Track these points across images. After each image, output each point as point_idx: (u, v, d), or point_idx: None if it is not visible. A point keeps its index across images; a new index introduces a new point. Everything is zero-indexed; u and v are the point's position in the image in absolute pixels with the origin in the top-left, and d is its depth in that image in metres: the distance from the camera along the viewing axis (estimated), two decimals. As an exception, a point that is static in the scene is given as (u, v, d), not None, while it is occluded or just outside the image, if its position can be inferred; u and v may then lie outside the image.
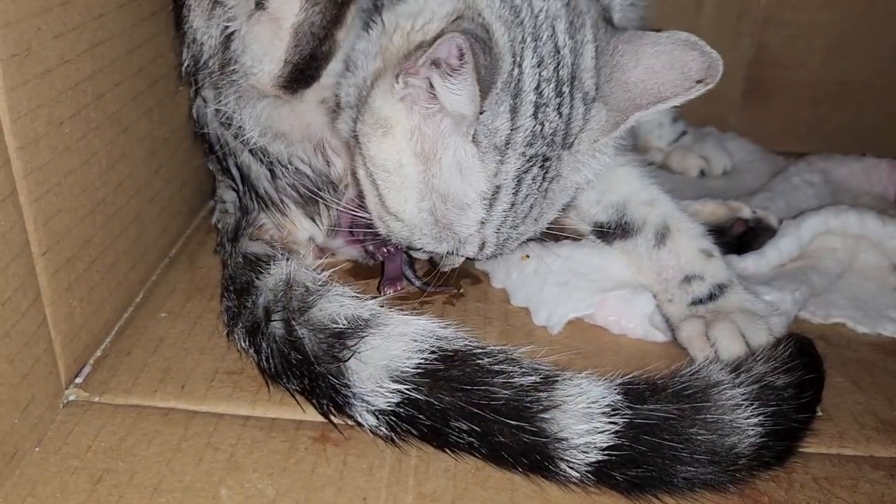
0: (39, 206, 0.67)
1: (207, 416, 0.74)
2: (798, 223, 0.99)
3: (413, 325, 0.75)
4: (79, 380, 0.77)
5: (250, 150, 0.91)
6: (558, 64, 0.73)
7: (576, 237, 0.97)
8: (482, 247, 0.79)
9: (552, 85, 0.73)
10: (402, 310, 0.77)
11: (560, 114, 0.74)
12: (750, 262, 0.98)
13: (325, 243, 0.97)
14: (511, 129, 0.72)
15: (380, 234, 0.83)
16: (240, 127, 0.88)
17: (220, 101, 0.88)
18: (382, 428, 0.72)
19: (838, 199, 1.19)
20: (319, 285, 0.80)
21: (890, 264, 1.02)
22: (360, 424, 0.72)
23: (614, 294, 0.91)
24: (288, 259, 0.84)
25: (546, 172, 0.76)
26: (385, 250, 0.91)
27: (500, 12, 0.71)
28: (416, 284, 0.95)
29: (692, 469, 0.67)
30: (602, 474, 0.67)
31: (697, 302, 0.89)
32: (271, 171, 0.92)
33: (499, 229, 0.78)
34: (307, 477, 0.67)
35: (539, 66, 0.72)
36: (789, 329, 0.89)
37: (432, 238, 0.78)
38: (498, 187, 0.74)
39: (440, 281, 0.93)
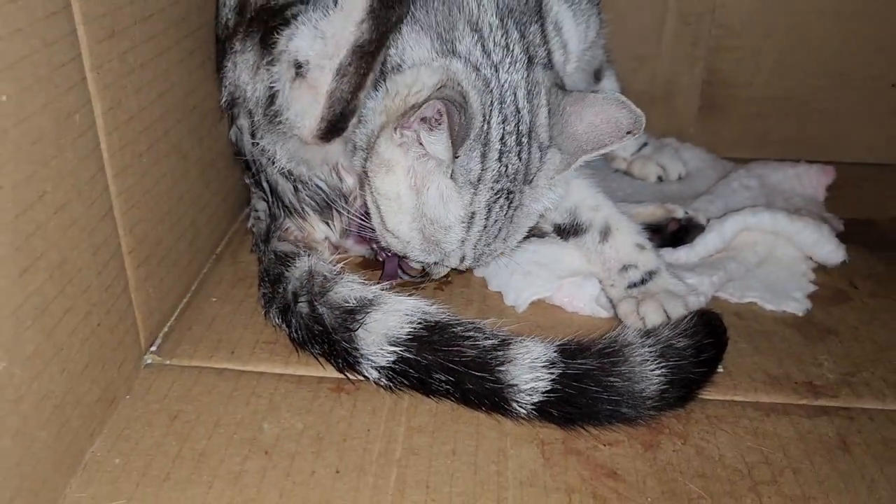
0: (127, 218, 0.90)
1: (251, 374, 0.95)
2: (722, 221, 1.17)
3: (406, 303, 0.94)
4: (153, 348, 0.98)
5: (278, 170, 1.13)
6: (518, 121, 0.94)
7: (540, 235, 1.18)
8: (462, 259, 1.01)
9: (514, 136, 0.94)
10: (398, 293, 0.97)
11: (520, 158, 0.95)
12: (682, 254, 1.16)
13: (338, 242, 1.15)
14: (482, 169, 0.93)
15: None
16: (272, 155, 1.07)
17: (259, 137, 1.07)
18: (383, 380, 0.90)
19: (772, 201, 1.34)
20: (335, 274, 1.00)
21: (803, 255, 1.20)
22: (366, 378, 0.91)
23: (568, 280, 1.09)
24: (309, 255, 1.04)
25: (511, 202, 0.97)
26: (385, 254, 1.10)
27: (475, 83, 0.92)
28: (406, 280, 1.13)
29: (610, 407, 0.85)
30: (543, 411, 0.85)
31: (632, 285, 1.07)
32: (294, 187, 1.11)
33: (475, 246, 0.99)
34: (326, 415, 0.88)
35: (503, 122, 0.93)
36: (708, 306, 1.06)
37: (422, 251, 0.99)
38: (473, 213, 0.95)
39: (424, 277, 1.13)
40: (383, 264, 1.13)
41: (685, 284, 1.07)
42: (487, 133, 0.93)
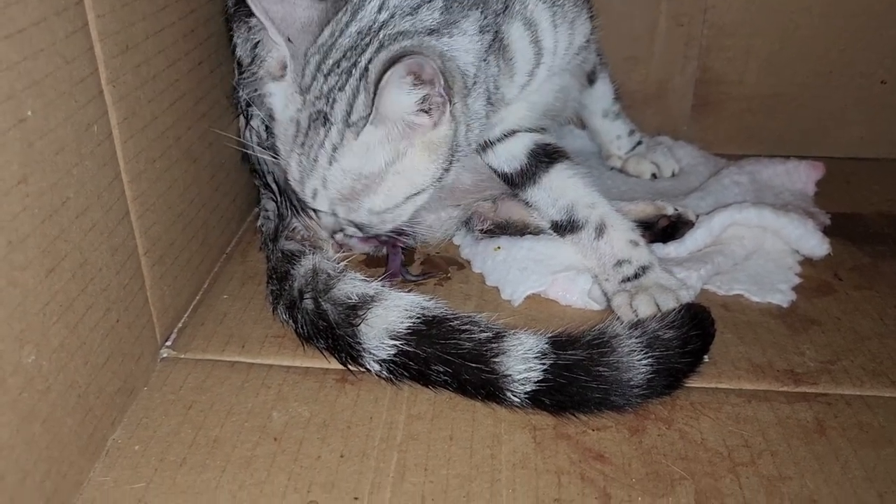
0: (142, 221, 0.95)
1: (261, 366, 1.00)
2: (710, 217, 1.21)
3: (405, 299, 0.99)
4: (168, 342, 1.04)
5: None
6: (353, 60, 0.96)
7: (536, 232, 1.24)
8: (301, 184, 1.02)
9: (343, 66, 0.96)
10: (398, 289, 1.02)
11: (342, 90, 0.96)
12: (672, 249, 1.21)
13: (342, 240, 1.17)
14: (311, 80, 0.97)
15: (381, 237, 1.10)
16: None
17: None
18: (384, 372, 0.95)
19: (762, 197, 1.38)
20: (338, 272, 1.04)
21: (790, 249, 1.25)
22: (368, 370, 0.96)
23: (562, 275, 1.13)
24: (314, 253, 1.08)
25: (327, 131, 0.97)
26: (389, 251, 1.16)
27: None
28: (407, 279, 1.19)
29: (598, 395, 0.90)
30: (535, 399, 0.90)
31: (626, 280, 1.10)
32: None
33: (300, 164, 1.00)
34: (331, 405, 0.93)
35: (342, 51, 0.97)
36: (697, 298, 1.11)
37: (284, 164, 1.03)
38: (298, 122, 1.00)
39: (425, 276, 1.20)
40: (387, 262, 1.18)
41: (676, 279, 1.11)
42: (326, 48, 0.96)
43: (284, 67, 1.01)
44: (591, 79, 1.44)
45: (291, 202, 1.19)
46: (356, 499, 0.81)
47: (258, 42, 1.09)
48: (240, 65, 1.15)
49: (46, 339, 0.74)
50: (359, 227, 1.05)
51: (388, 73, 0.87)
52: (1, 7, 0.67)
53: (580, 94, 1.43)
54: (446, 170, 1.01)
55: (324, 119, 0.96)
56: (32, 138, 0.71)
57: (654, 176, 1.52)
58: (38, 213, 0.72)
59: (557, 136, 1.42)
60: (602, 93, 1.48)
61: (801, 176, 1.47)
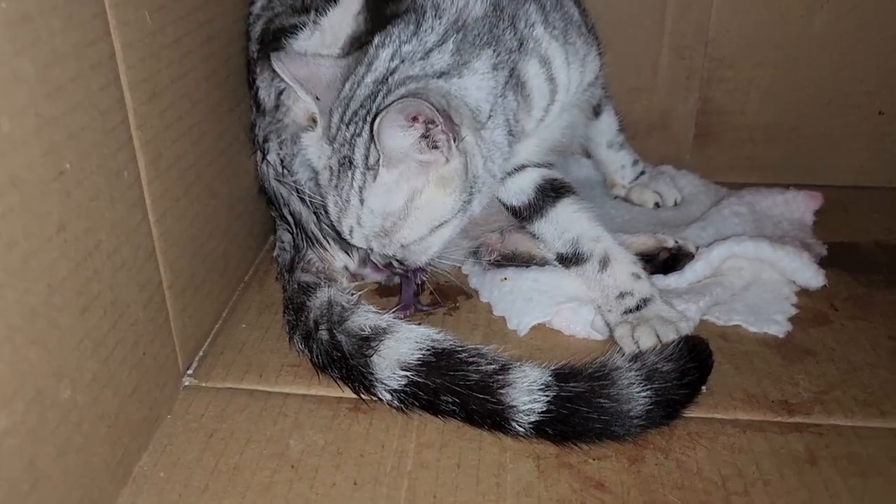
0: (167, 256, 1.00)
1: (278, 394, 1.05)
2: (709, 250, 1.25)
3: (416, 331, 1.03)
4: (190, 371, 1.09)
5: (300, 199, 1.22)
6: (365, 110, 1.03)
7: (542, 263, 1.29)
8: (339, 220, 1.08)
9: (359, 114, 1.03)
10: (409, 321, 1.07)
11: (361, 135, 1.03)
12: (672, 280, 1.25)
13: (356, 271, 1.25)
14: (336, 130, 1.04)
15: (395, 267, 1.16)
16: (290, 167, 1.19)
17: (284, 156, 1.20)
18: (395, 401, 0.99)
19: (762, 226, 1.43)
20: (352, 304, 1.10)
21: (787, 280, 1.28)
22: (380, 399, 1.00)
23: (566, 305, 1.18)
24: (329, 285, 1.13)
25: (352, 174, 1.03)
26: (403, 283, 1.22)
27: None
28: (419, 309, 1.24)
29: (599, 426, 0.94)
30: (539, 430, 0.94)
31: (628, 311, 1.15)
32: (317, 216, 1.22)
33: (336, 203, 1.07)
34: (345, 433, 0.98)
35: (352, 91, 1.05)
36: (696, 329, 1.16)
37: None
38: (330, 168, 1.07)
39: (435, 306, 1.25)
40: (400, 293, 1.23)
41: (676, 311, 1.15)
42: (347, 100, 1.03)
43: (311, 118, 1.07)
44: (596, 112, 1.49)
45: (306, 234, 1.24)
46: (369, 525, 0.86)
47: (283, 90, 1.15)
48: (258, 103, 1.21)
49: (80, 374, 0.80)
50: (395, 259, 1.11)
51: (379, 117, 0.93)
52: (42, 67, 0.72)
53: (585, 126, 1.48)
54: (467, 201, 1.05)
55: (349, 163, 1.02)
56: (70, 188, 0.77)
57: (657, 205, 1.56)
58: (74, 257, 0.78)
59: (564, 165, 1.48)
60: (607, 125, 1.53)
61: (800, 206, 1.51)
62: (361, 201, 1.03)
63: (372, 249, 1.09)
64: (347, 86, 1.03)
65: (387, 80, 1.01)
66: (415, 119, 0.95)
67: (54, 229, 0.74)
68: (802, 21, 1.57)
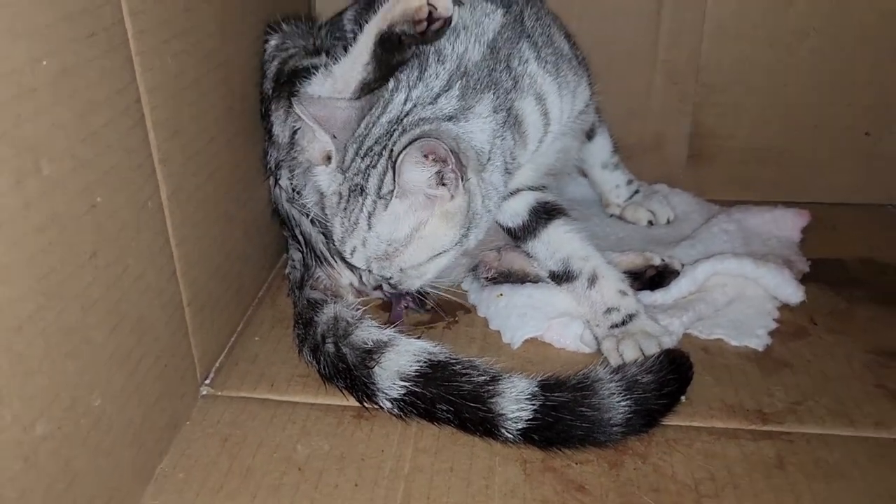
0: (186, 277, 1.09)
1: (288, 403, 1.14)
2: (694, 267, 1.32)
3: (414, 345, 1.12)
4: (207, 381, 1.18)
5: (310, 220, 1.33)
6: (381, 142, 1.12)
7: (536, 280, 1.37)
8: (342, 242, 1.17)
9: (373, 147, 1.13)
10: (408, 336, 1.16)
11: (376, 166, 1.12)
12: (658, 296, 1.32)
13: (360, 287, 1.34)
14: (350, 161, 1.14)
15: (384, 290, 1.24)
16: (302, 191, 1.29)
17: (294, 180, 1.29)
18: (395, 409, 1.07)
19: (750, 244, 1.49)
20: (356, 319, 1.18)
21: (769, 295, 1.36)
22: (381, 407, 1.08)
23: (557, 321, 1.25)
24: (335, 302, 1.23)
25: (363, 201, 1.13)
26: (391, 298, 1.31)
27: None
28: (415, 310, 1.34)
29: (582, 433, 1.01)
30: (526, 436, 1.01)
31: (614, 326, 1.23)
32: (325, 235, 1.32)
33: (343, 224, 1.16)
34: (348, 439, 1.07)
35: (367, 128, 1.15)
36: (680, 342, 1.23)
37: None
38: (340, 194, 1.16)
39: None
40: (391, 310, 1.32)
41: (660, 326, 1.23)
42: (362, 137, 1.13)
43: (326, 157, 1.18)
44: (589, 135, 1.57)
45: (315, 253, 1.34)
46: (368, 522, 0.95)
47: (297, 129, 1.25)
48: (270, 135, 1.31)
49: (110, 385, 0.89)
50: (390, 282, 1.20)
51: (404, 152, 1.02)
52: (79, 115, 0.82)
53: (579, 149, 1.56)
54: (465, 235, 1.15)
55: (360, 190, 1.12)
56: (101, 220, 0.86)
57: (650, 223, 1.64)
58: (104, 281, 0.87)
59: (562, 184, 1.57)
60: (600, 146, 1.61)
61: (788, 223, 1.58)
62: (369, 226, 1.12)
63: (370, 270, 1.18)
64: (363, 125, 1.13)
65: (401, 120, 1.11)
66: (430, 157, 1.05)
67: (87, 256, 0.84)
68: (790, 49, 1.65)
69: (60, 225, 0.79)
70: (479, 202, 1.14)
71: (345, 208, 1.15)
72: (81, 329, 0.83)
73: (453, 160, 1.05)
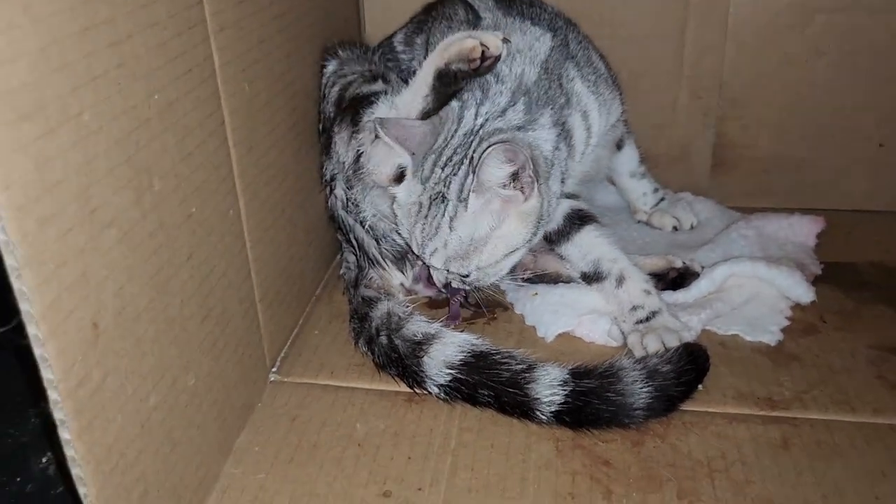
0: (259, 276, 1.24)
1: (346, 388, 1.28)
2: (713, 269, 1.43)
3: (459, 337, 1.23)
4: (275, 369, 1.32)
5: (364, 229, 1.46)
6: (464, 151, 1.26)
7: (567, 281, 1.51)
8: (417, 244, 1.30)
9: (455, 155, 1.27)
10: (453, 329, 1.29)
11: (455, 174, 1.25)
12: (680, 296, 1.43)
13: (410, 287, 1.47)
14: (430, 173, 1.27)
15: (448, 286, 1.37)
16: (359, 204, 1.43)
17: (352, 191, 1.43)
18: (442, 394, 1.18)
19: (767, 248, 1.59)
20: (407, 315, 1.31)
21: (782, 295, 1.47)
22: (429, 392, 1.20)
23: (587, 317, 1.37)
24: (388, 299, 1.36)
25: (445, 207, 1.26)
26: (451, 297, 1.42)
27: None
28: (468, 308, 1.46)
29: (608, 415, 1.13)
30: (558, 418, 1.12)
31: (639, 322, 1.33)
32: (377, 241, 1.46)
33: (423, 230, 1.28)
34: (401, 419, 1.20)
35: (446, 141, 1.28)
36: (699, 338, 1.35)
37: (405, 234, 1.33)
38: (420, 204, 1.29)
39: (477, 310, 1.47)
40: (448, 307, 1.46)
41: (680, 322, 1.34)
42: (440, 149, 1.25)
43: (394, 178, 1.33)
44: (619, 146, 1.70)
45: (368, 256, 1.48)
46: (419, 489, 1.09)
47: (362, 153, 1.38)
48: (327, 149, 1.45)
49: (201, 367, 1.04)
50: (465, 279, 1.33)
51: (488, 150, 1.16)
52: (180, 139, 0.97)
53: (609, 159, 1.69)
54: (534, 234, 1.29)
55: (441, 198, 1.24)
56: (195, 227, 1.02)
57: (674, 228, 1.75)
58: (197, 279, 1.03)
59: (593, 191, 1.70)
60: (628, 157, 1.73)
61: (803, 229, 1.68)
62: (451, 228, 1.24)
63: (448, 270, 1.31)
64: (441, 139, 1.27)
65: (477, 132, 1.25)
66: (509, 161, 1.18)
67: (185, 258, 0.99)
68: (807, 66, 1.75)
69: (166, 231, 0.94)
70: (546, 206, 1.28)
71: (426, 216, 1.26)
72: (180, 319, 0.98)
73: (531, 165, 1.18)
